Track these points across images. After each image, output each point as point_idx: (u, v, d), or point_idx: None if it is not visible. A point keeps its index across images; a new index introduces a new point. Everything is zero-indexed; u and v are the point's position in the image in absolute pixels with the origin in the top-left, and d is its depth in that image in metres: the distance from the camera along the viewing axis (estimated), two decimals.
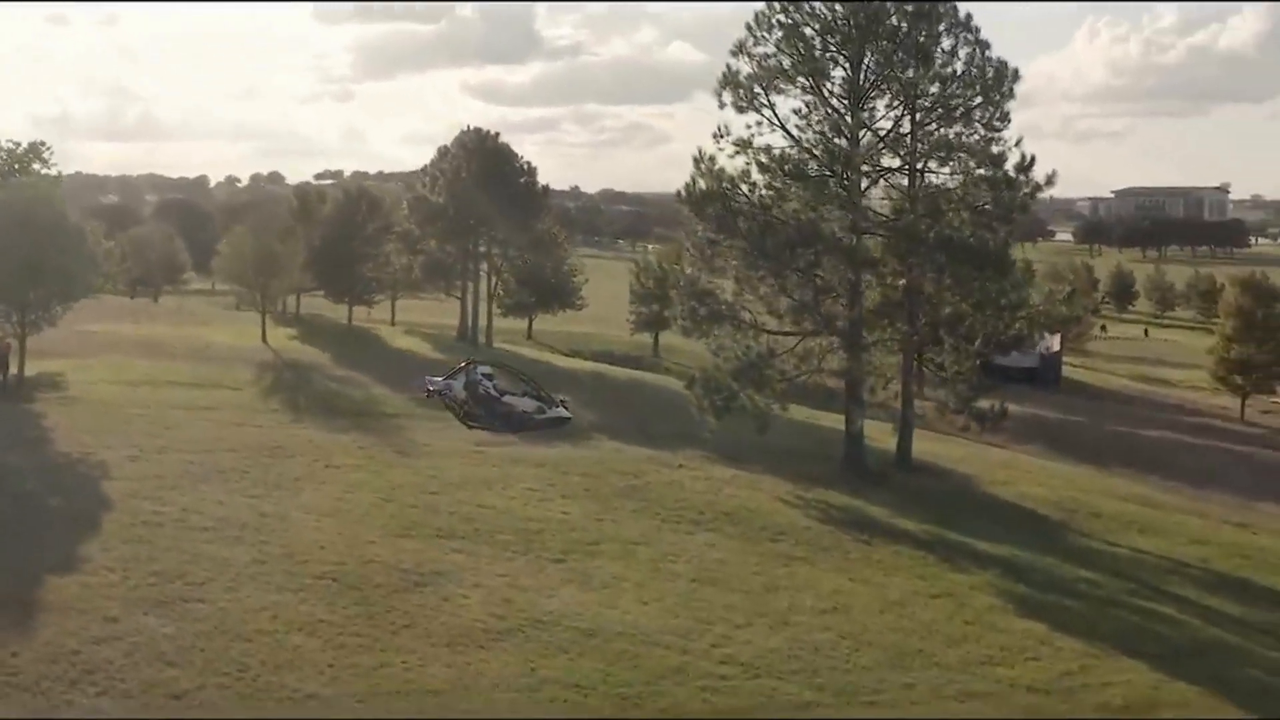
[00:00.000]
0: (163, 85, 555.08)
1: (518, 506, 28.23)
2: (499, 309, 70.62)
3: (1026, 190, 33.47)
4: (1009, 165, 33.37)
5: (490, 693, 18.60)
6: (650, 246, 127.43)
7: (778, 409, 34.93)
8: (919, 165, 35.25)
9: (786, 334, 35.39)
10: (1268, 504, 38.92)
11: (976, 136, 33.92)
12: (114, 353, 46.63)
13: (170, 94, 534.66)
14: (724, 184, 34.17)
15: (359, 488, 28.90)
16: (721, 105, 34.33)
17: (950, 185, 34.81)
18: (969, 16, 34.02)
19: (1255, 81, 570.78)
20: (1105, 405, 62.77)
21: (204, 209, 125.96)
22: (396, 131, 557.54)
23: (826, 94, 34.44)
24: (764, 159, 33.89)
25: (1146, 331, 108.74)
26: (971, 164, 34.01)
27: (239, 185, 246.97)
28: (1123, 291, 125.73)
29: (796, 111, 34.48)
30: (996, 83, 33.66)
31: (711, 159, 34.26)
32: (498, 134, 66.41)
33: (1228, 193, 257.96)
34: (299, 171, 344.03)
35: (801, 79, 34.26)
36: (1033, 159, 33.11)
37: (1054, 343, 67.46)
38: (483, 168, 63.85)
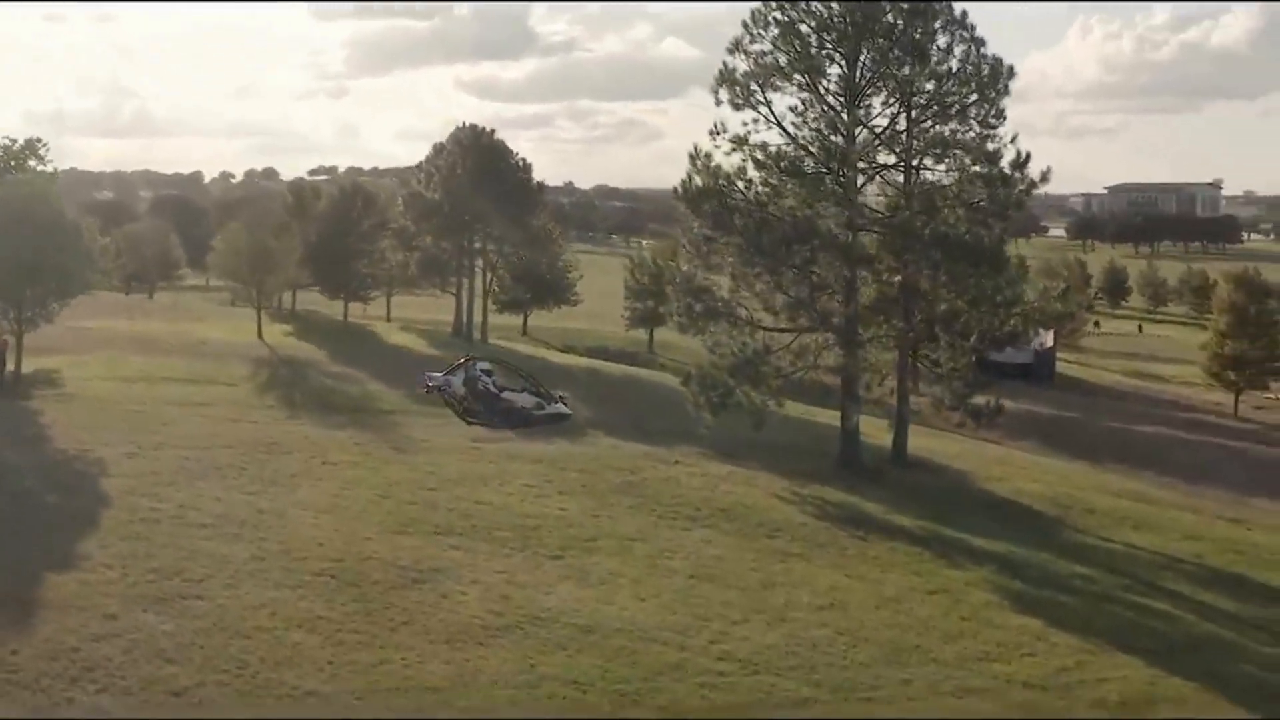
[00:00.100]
0: (158, 82, 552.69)
1: (515, 503, 28.26)
2: (494, 305, 70.65)
3: (1021, 187, 33.66)
4: (1004, 162, 33.61)
5: (489, 689, 18.65)
6: (645, 242, 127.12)
7: (774, 405, 34.98)
8: (914, 162, 35.44)
9: (782, 330, 35.48)
10: (1261, 499, 39.11)
11: (972, 133, 34.10)
12: (109, 349, 46.58)
13: (166, 90, 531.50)
14: (720, 181, 34.30)
15: (356, 484, 28.92)
16: (718, 102, 34.53)
17: (945, 182, 35.01)
18: (964, 14, 34.30)
19: (1247, 78, 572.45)
20: (1099, 401, 62.84)
21: (199, 205, 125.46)
22: (391, 128, 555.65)
23: (822, 91, 34.56)
24: (760, 156, 34.02)
25: (1140, 327, 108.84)
26: (967, 161, 34.19)
27: (234, 181, 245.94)
28: (1116, 287, 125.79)
29: (793, 109, 34.62)
30: (991, 80, 33.79)
31: (708, 156, 34.46)
32: (492, 130, 66.31)
33: (1220, 189, 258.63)
34: (294, 167, 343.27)
35: (798, 76, 34.36)
36: (1028, 156, 33.37)
37: (1048, 339, 67.58)
38: (478, 164, 63.71)
